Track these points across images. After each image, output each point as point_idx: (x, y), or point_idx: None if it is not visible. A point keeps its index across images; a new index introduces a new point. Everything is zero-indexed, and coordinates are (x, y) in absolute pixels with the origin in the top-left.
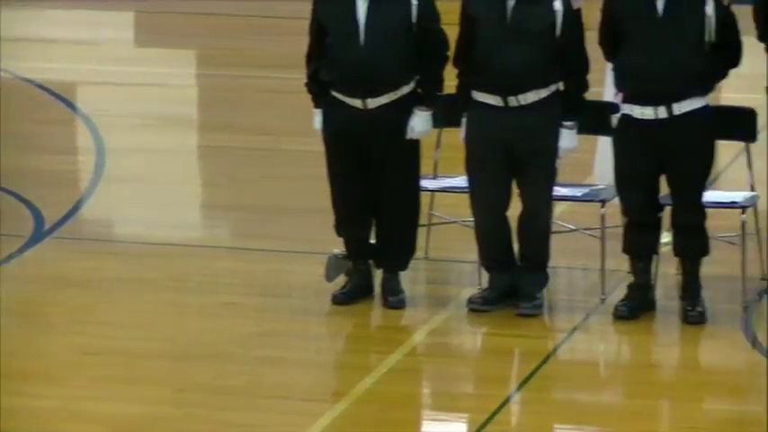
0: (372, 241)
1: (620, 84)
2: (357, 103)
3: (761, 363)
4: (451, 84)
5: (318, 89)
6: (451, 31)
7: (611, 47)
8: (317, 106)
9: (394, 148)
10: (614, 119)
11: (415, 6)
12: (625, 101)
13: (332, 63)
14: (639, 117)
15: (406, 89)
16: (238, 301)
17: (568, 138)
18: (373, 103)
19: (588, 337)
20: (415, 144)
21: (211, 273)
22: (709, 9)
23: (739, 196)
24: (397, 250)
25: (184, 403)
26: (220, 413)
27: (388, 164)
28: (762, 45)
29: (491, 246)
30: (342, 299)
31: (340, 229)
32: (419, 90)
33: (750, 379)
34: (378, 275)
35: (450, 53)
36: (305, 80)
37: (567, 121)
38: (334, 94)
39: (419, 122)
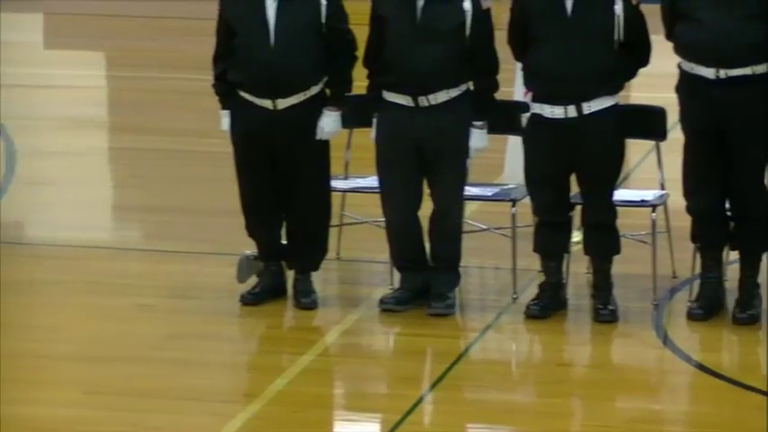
0: (284, 242)
1: (529, 83)
2: (266, 103)
3: (672, 360)
4: (362, 84)
5: (226, 90)
6: (362, 32)
7: (521, 46)
8: (224, 107)
9: (303, 149)
10: (524, 118)
11: (324, 7)
12: (535, 100)
13: (240, 64)
14: (549, 116)
15: (315, 89)
16: (150, 303)
17: (479, 137)
18: (283, 103)
19: (500, 336)
20: (324, 144)
21: (123, 275)
22: (618, 8)
23: (649, 195)
24: (309, 251)
25: (95, 405)
26: (132, 415)
27: (297, 164)
28: (669, 44)
29: (403, 246)
30: (251, 300)
31: (251, 230)
32: (328, 90)
33: (661, 377)
34: (291, 276)
35: (360, 53)
36: (212, 81)
37: (477, 120)
38: (243, 95)
39: (328, 123)
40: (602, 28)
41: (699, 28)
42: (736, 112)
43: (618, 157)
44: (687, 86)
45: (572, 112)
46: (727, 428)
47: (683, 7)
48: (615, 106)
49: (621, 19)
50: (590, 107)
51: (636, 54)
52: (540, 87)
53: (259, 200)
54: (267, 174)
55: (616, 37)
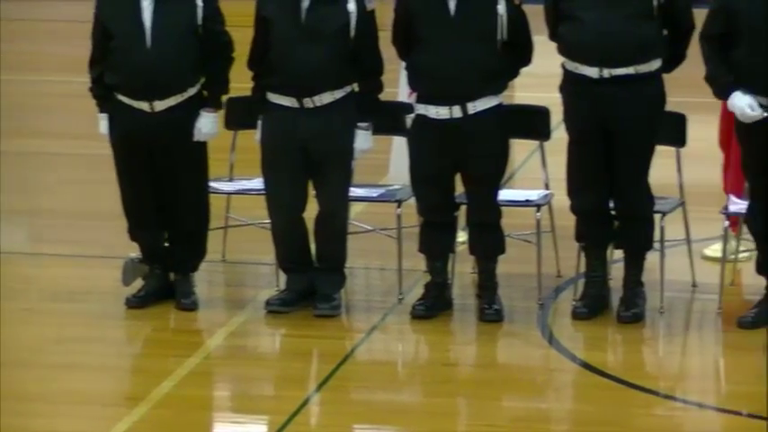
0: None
1: (414, 84)
2: (144, 106)
3: (557, 359)
4: (241, 86)
5: (103, 93)
6: (246, 34)
7: (405, 47)
8: (102, 111)
9: (182, 150)
10: (409, 119)
11: (200, 8)
12: (420, 101)
13: (117, 66)
14: (435, 117)
15: (192, 91)
16: (35, 307)
17: (363, 139)
18: (160, 105)
19: (386, 336)
20: (202, 146)
21: (8, 278)
22: (501, 8)
23: (534, 195)
24: (188, 252)
25: None
26: (17, 419)
27: (176, 166)
28: (553, 44)
29: (288, 247)
30: (135, 302)
31: (133, 232)
32: (205, 92)
33: (546, 376)
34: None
35: (239, 54)
36: (89, 84)
37: (362, 122)
38: (120, 97)
39: (206, 124)
40: (485, 28)
41: (582, 28)
42: (619, 112)
43: (502, 156)
44: (571, 86)
45: (457, 112)
46: (612, 426)
47: (566, 7)
48: (500, 106)
49: (504, 19)
50: (475, 107)
51: (518, 53)
52: (425, 88)
53: (140, 202)
54: (147, 176)
55: (499, 37)
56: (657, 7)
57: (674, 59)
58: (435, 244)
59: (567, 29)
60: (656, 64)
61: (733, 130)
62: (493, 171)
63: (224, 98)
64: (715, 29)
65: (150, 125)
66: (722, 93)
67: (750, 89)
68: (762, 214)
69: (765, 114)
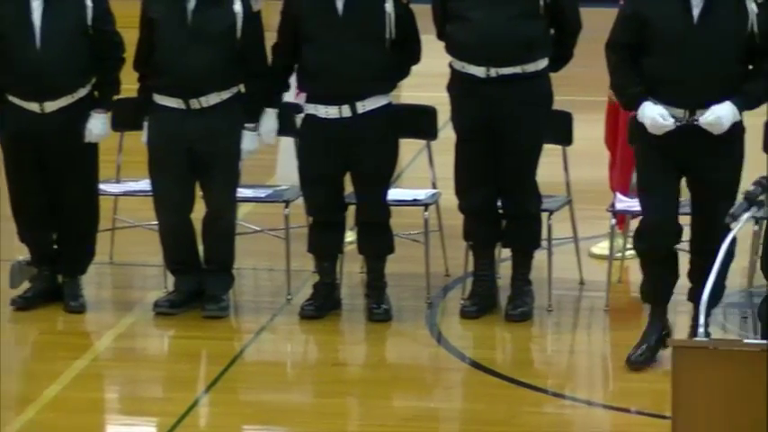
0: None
1: (303, 84)
2: (34, 107)
3: (446, 358)
4: (133, 87)
5: None
6: (132, 34)
7: (292, 48)
8: None
9: (71, 152)
10: (298, 119)
11: (90, 9)
12: (309, 101)
13: (7, 67)
14: (324, 117)
15: (82, 92)
16: None
17: (250, 140)
18: (50, 106)
19: (275, 337)
20: (93, 147)
21: None
22: (389, 6)
23: (422, 194)
24: (76, 254)
25: None
26: None
27: (65, 167)
28: (439, 43)
29: (176, 248)
30: (22, 304)
31: (22, 234)
32: (96, 93)
33: (435, 375)
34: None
35: (128, 56)
36: None
37: (248, 123)
38: (11, 98)
39: (96, 125)
40: (373, 26)
41: (469, 27)
42: (506, 111)
43: (391, 156)
44: (459, 85)
45: (346, 111)
46: (501, 425)
47: (454, 7)
48: (388, 105)
49: (392, 17)
50: (364, 106)
51: (407, 52)
52: (314, 88)
53: (29, 203)
54: (36, 177)
55: (388, 35)
56: (544, 7)
57: (560, 59)
58: (324, 244)
59: (455, 28)
60: (542, 63)
61: (619, 128)
62: (381, 171)
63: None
64: (625, 38)
65: (40, 126)
66: (632, 103)
67: (661, 99)
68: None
69: (678, 124)
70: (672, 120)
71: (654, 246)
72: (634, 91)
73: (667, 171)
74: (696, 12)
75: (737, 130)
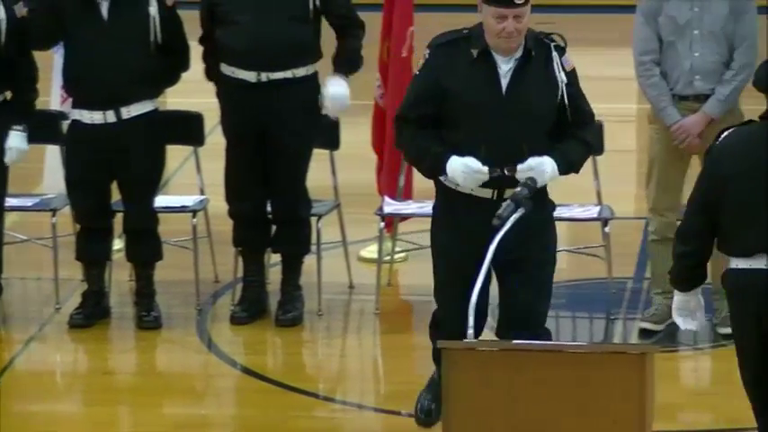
0: None
1: (68, 89)
2: None
3: (217, 365)
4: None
5: None
6: None
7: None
8: None
9: None
10: (64, 126)
11: (3, 22)
12: (75, 106)
13: None
14: (89, 122)
15: None
16: None
17: (17, 139)
18: None
19: (44, 346)
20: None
21: None
22: (153, 10)
23: (190, 200)
24: None
25: None
26: None
27: None
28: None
29: None
30: None
31: None
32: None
33: (206, 381)
34: None
35: None
36: None
37: (16, 125)
38: None
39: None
40: (137, 30)
41: (239, 32)
42: (277, 116)
43: (158, 162)
44: (228, 90)
45: (111, 117)
46: (272, 430)
47: (222, 11)
48: (154, 111)
49: (157, 21)
50: (129, 112)
51: (174, 58)
52: (78, 93)
53: None
54: None
55: (153, 39)
56: (313, 11)
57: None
58: (91, 251)
59: (224, 33)
60: (312, 68)
61: (386, 132)
62: (148, 177)
63: None
64: (421, 110)
65: None
66: (437, 163)
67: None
68: None
69: (494, 175)
70: (486, 168)
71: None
72: (437, 150)
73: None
74: (504, 83)
75: (550, 211)
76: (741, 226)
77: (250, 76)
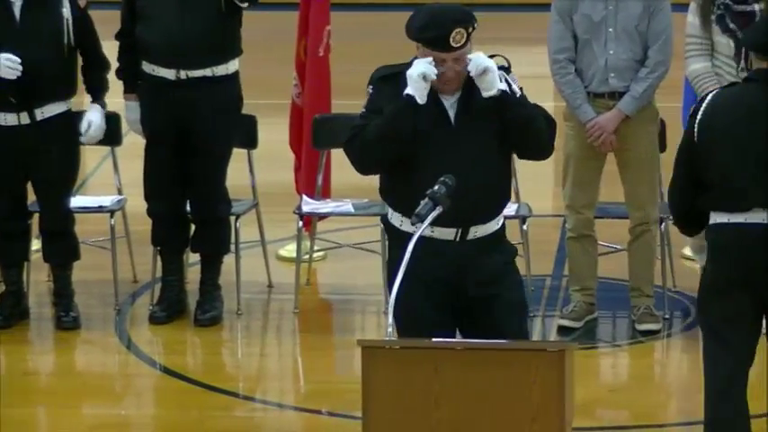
0: None
1: None
2: None
3: (136, 365)
4: None
5: None
6: None
7: None
8: None
9: None
10: None
11: None
12: None
13: None
14: (3, 124)
15: None
16: None
17: None
18: None
19: None
20: None
21: None
22: (66, 11)
23: (107, 200)
24: None
25: None
26: None
27: None
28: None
29: None
30: None
31: None
32: None
33: (126, 381)
34: None
35: None
36: None
37: None
38: None
39: None
40: (50, 31)
41: (158, 29)
42: (196, 114)
43: (73, 163)
44: (148, 88)
45: (25, 118)
46: (192, 430)
47: (141, 7)
48: (69, 112)
49: (70, 22)
50: (43, 113)
51: (89, 59)
52: None
53: None
54: None
55: (66, 40)
56: (228, 7)
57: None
58: (9, 252)
59: (143, 30)
60: (232, 66)
61: (303, 131)
62: (63, 178)
63: None
64: None
65: None
66: (399, 104)
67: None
68: None
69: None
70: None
71: None
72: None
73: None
74: (452, 113)
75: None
76: (735, 182)
77: (169, 73)
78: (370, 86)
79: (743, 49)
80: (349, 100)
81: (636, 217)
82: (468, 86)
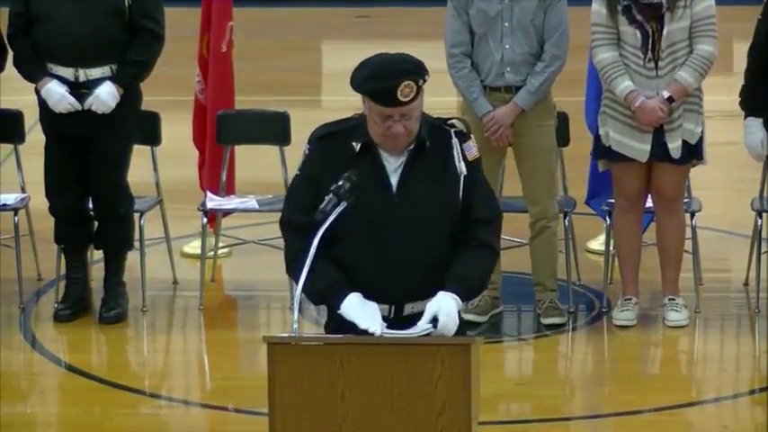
0: None
1: None
2: None
3: (41, 363)
4: None
5: None
6: None
7: None
8: None
9: None
10: None
11: None
12: None
13: None
14: None
15: None
16: None
17: None
18: None
19: None
20: None
21: None
22: None
23: (11, 198)
24: None
25: None
26: None
27: None
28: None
29: None
30: None
31: None
32: None
33: (31, 380)
34: None
35: None
36: None
37: None
38: None
39: None
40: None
41: (55, 28)
42: (95, 113)
43: None
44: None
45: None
46: (96, 428)
47: (36, 5)
48: None
49: None
50: None
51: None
52: None
53: None
54: None
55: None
56: (128, 7)
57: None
58: None
59: (41, 29)
60: None
61: (207, 127)
62: None
63: None
64: (304, 218)
65: None
66: (337, 299)
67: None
68: None
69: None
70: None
71: None
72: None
73: None
74: (394, 181)
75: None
76: None
77: (68, 73)
78: (308, 146)
79: (649, 41)
80: (252, 96)
81: (534, 212)
82: (417, 148)
